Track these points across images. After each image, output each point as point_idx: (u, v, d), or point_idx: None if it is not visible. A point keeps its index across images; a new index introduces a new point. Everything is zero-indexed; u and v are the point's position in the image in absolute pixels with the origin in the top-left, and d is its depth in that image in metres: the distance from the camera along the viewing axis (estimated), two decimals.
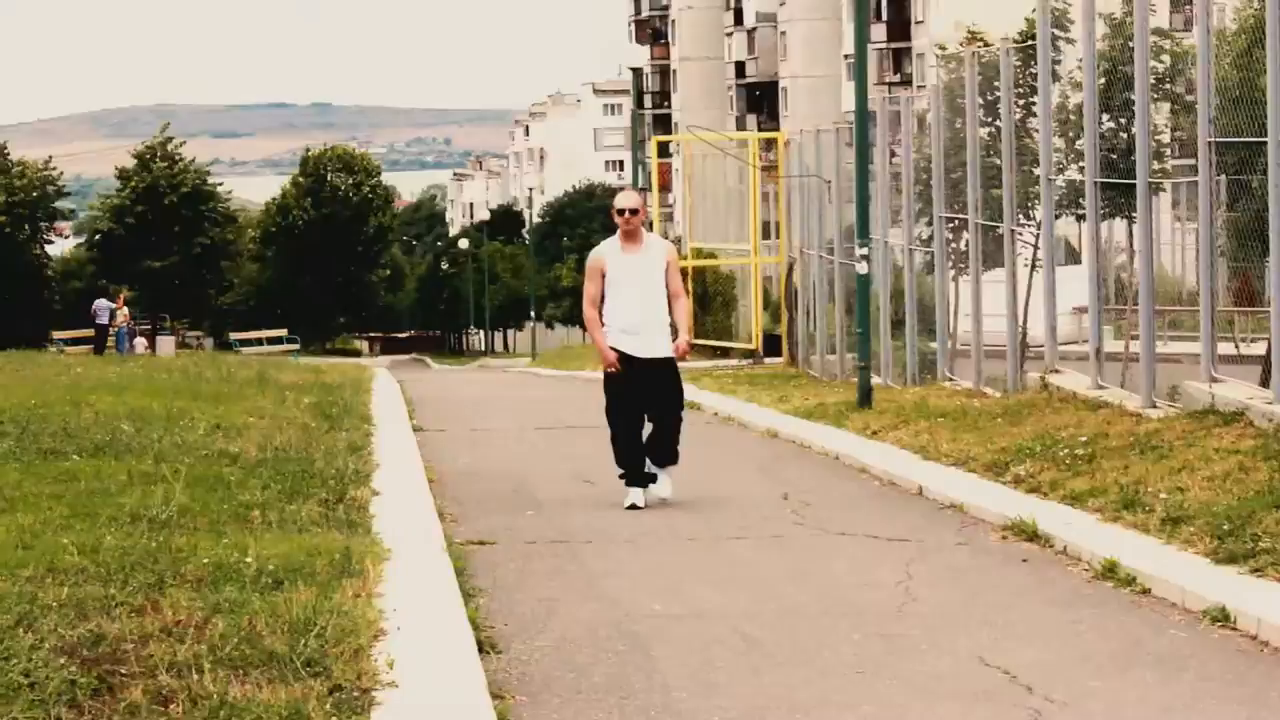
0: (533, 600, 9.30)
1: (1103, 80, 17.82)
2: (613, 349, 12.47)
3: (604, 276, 12.51)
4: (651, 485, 12.69)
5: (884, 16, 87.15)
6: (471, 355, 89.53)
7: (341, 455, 14.30)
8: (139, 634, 7.28)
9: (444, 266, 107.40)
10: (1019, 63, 19.97)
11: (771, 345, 30.87)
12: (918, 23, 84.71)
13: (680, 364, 12.95)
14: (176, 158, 68.26)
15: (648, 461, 12.72)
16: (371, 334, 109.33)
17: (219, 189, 70.30)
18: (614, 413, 12.63)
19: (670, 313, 12.58)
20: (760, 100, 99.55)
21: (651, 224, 33.55)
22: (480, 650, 7.90)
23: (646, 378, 12.51)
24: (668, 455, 12.78)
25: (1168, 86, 18.60)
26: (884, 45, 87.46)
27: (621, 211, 12.56)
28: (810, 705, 7.08)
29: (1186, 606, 8.78)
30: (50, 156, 70.04)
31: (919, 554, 10.63)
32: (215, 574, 8.57)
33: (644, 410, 12.65)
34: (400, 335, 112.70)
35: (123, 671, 6.76)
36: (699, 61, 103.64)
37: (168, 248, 66.34)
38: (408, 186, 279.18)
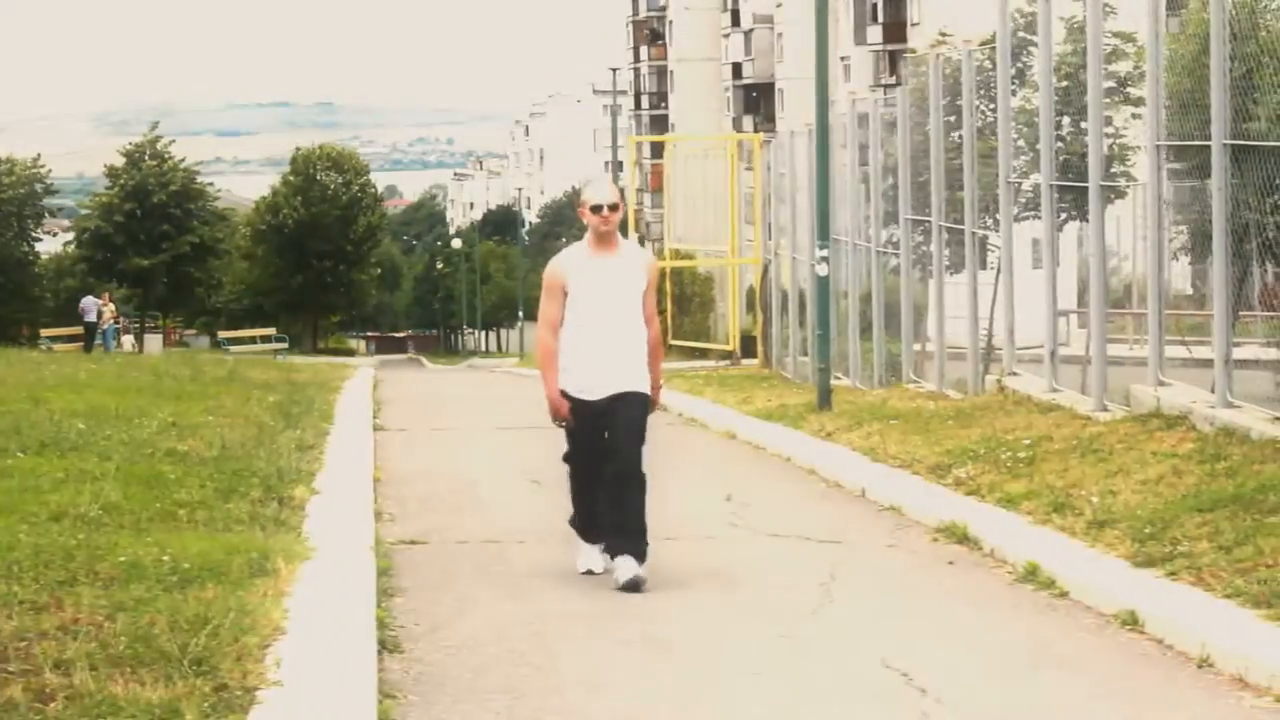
0: (450, 600, 9.30)
1: (1065, 83, 17.81)
2: (565, 395, 9.61)
3: (566, 294, 9.64)
4: (618, 560, 9.59)
5: (880, 18, 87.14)
6: (466, 355, 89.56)
7: (290, 454, 14.29)
8: (35, 631, 7.28)
9: (439, 266, 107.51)
10: (990, 65, 19.95)
11: (750, 347, 30.89)
12: (913, 25, 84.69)
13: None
14: (166, 156, 68.26)
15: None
16: (369, 334, 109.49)
17: (208, 188, 70.34)
18: (576, 461, 9.88)
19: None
20: (757, 101, 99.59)
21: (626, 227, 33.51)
22: (383, 650, 7.92)
23: (607, 418, 9.62)
24: (631, 540, 9.50)
25: (1129, 90, 18.56)
26: (880, 47, 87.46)
27: (599, 208, 9.59)
28: (699, 706, 7.09)
29: (1100, 610, 8.79)
30: (39, 154, 70.14)
31: (847, 556, 10.63)
32: (128, 572, 8.57)
33: (602, 461, 9.72)
34: (398, 335, 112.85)
35: (9, 669, 6.76)
36: (696, 63, 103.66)
37: (156, 246, 66.38)
38: (410, 186, 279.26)
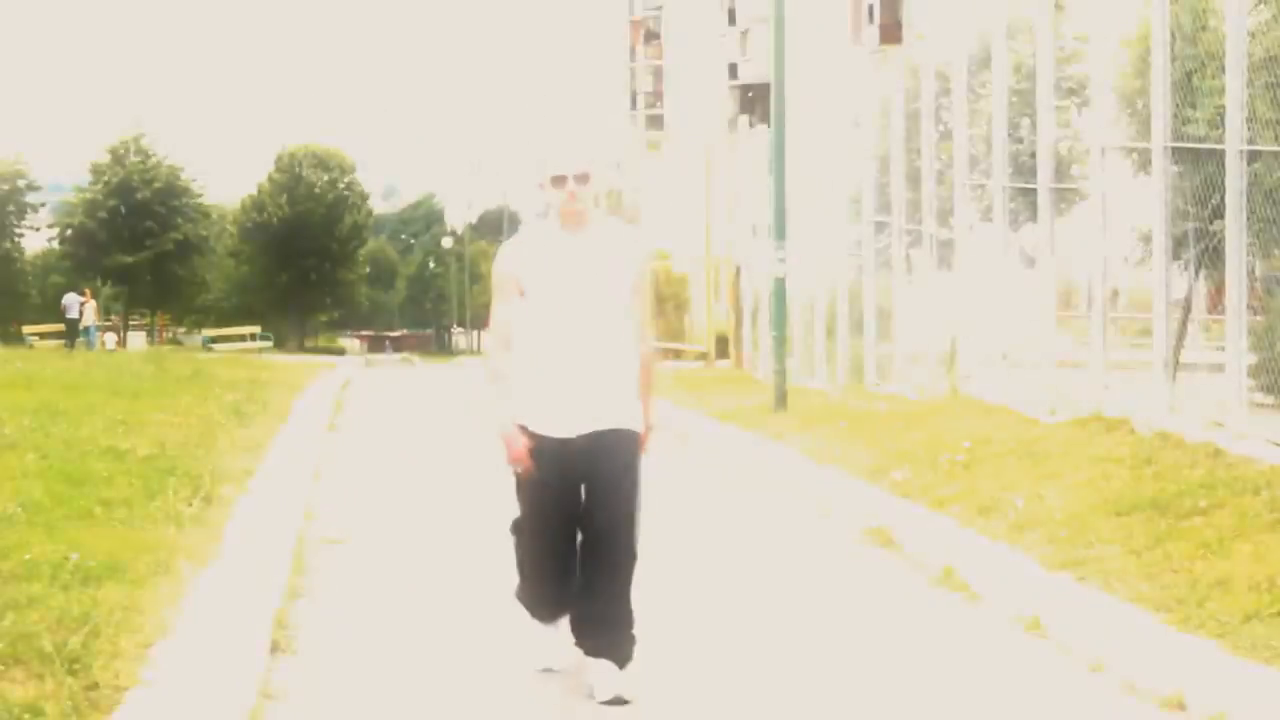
0: (358, 601, 9.25)
1: (1026, 84, 17.79)
2: (525, 431, 6.91)
3: (523, 291, 6.95)
4: (594, 664, 7.08)
5: (876, 19, 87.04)
6: (459, 354, 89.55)
7: (230, 453, 14.28)
8: None
9: (431, 266, 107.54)
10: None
11: (726, 348, 30.84)
12: (910, 27, 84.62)
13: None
14: (149, 153, 68.31)
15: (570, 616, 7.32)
16: (363, 333, 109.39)
17: (192, 184, 70.42)
18: (530, 529, 7.17)
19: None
20: (753, 101, 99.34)
21: None
22: (275, 650, 7.87)
23: (585, 465, 6.92)
24: (613, 639, 7.05)
25: (1089, 92, 18.49)
26: (876, 50, 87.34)
27: (561, 180, 6.87)
28: (577, 709, 7.03)
29: (1007, 613, 8.74)
30: (20, 151, 70.40)
31: (768, 558, 10.58)
32: (29, 570, 8.51)
33: (577, 525, 7.09)
34: (393, 334, 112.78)
35: None
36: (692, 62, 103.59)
37: (140, 243, 66.48)
38: (412, 186, 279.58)
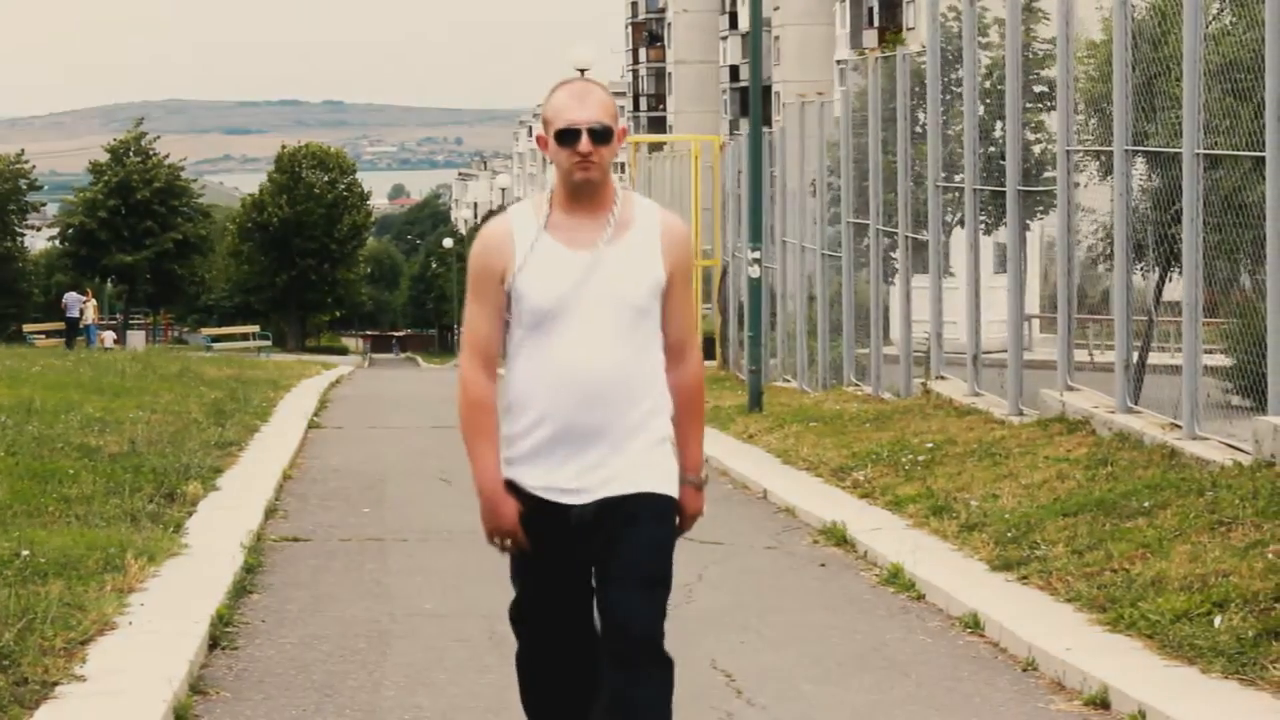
0: (309, 597, 9.33)
1: (1001, 87, 17.83)
2: (511, 486, 5.00)
3: (509, 292, 4.98)
4: None
5: (875, 22, 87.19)
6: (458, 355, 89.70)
7: (203, 451, 14.34)
8: None
9: (433, 266, 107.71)
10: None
11: (713, 348, 30.89)
12: (909, 29, 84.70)
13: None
14: (150, 153, 68.63)
15: None
16: (367, 332, 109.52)
17: (192, 184, 70.71)
18: (532, 622, 5.21)
19: (668, 390, 5.05)
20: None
21: None
22: (216, 646, 7.95)
23: (595, 544, 4.98)
24: None
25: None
26: (864, 52, 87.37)
27: (571, 134, 4.93)
28: (502, 706, 7.09)
29: (949, 613, 8.82)
30: (22, 150, 70.58)
31: (723, 557, 10.64)
32: None
33: (590, 616, 5.10)
34: (397, 334, 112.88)
35: None
36: (693, 65, 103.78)
37: (140, 242, 66.78)
38: (418, 185, 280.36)
